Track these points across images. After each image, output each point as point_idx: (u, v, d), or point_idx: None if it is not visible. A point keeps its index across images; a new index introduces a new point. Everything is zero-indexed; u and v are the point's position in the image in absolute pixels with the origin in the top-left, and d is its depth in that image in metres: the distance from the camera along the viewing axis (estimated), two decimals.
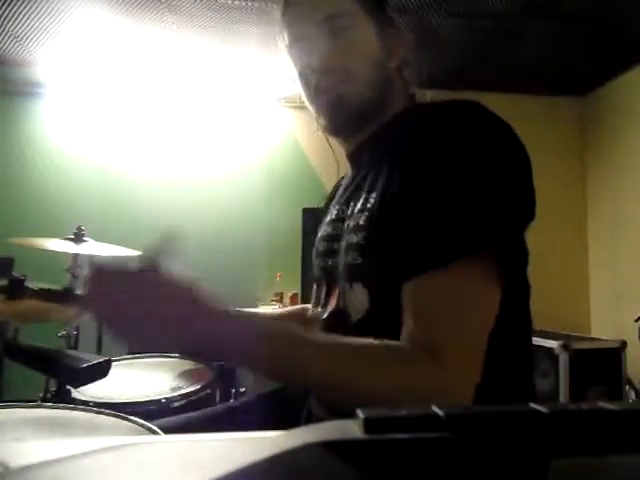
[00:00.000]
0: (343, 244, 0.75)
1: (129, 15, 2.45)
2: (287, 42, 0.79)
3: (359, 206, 0.73)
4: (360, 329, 0.69)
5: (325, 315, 0.78)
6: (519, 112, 3.19)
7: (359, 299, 0.70)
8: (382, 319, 0.67)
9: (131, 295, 0.57)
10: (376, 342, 0.60)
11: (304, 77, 0.78)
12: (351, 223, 0.74)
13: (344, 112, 0.76)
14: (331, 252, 0.80)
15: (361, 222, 0.71)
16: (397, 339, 0.62)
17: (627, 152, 3.08)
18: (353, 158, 0.84)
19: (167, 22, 2.52)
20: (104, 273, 0.59)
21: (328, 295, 0.81)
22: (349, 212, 0.76)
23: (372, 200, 0.70)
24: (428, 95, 0.82)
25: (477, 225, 0.61)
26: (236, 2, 2.34)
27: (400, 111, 0.78)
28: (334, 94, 0.75)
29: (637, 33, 2.61)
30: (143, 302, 0.56)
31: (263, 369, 0.61)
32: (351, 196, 0.78)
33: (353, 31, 0.76)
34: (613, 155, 3.21)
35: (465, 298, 0.61)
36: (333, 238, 0.80)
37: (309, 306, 1.09)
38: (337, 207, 0.83)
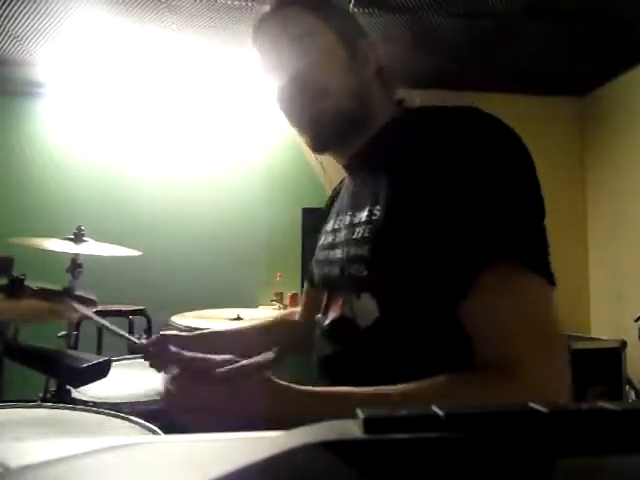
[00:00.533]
0: (345, 255, 0.75)
1: (129, 15, 2.45)
2: (262, 68, 0.80)
3: (363, 218, 0.72)
4: (371, 336, 0.69)
5: (327, 322, 0.79)
6: (519, 112, 3.19)
7: (368, 308, 0.70)
8: (394, 326, 0.67)
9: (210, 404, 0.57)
10: (448, 380, 0.57)
11: (281, 99, 0.78)
12: (354, 234, 0.73)
13: (326, 128, 0.75)
14: (332, 262, 0.80)
15: (366, 234, 0.70)
16: (410, 344, 0.62)
17: (627, 152, 3.08)
18: (351, 168, 0.84)
19: (167, 22, 2.52)
20: (188, 376, 0.59)
21: (328, 303, 0.81)
22: (350, 222, 0.76)
23: (377, 212, 0.69)
24: (415, 96, 0.82)
25: (503, 230, 0.60)
26: (236, 2, 2.34)
27: (394, 118, 0.78)
28: (313, 111, 0.75)
29: (637, 33, 2.61)
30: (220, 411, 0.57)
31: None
32: (352, 206, 0.78)
33: (323, 49, 0.76)
34: (613, 155, 3.21)
35: (522, 301, 0.59)
36: (334, 247, 0.80)
37: (297, 310, 1.09)
38: (338, 216, 0.83)
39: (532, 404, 0.20)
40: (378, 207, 0.70)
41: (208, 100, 3.31)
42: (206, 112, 3.32)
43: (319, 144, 0.79)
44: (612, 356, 2.52)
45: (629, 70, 3.04)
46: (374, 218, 0.70)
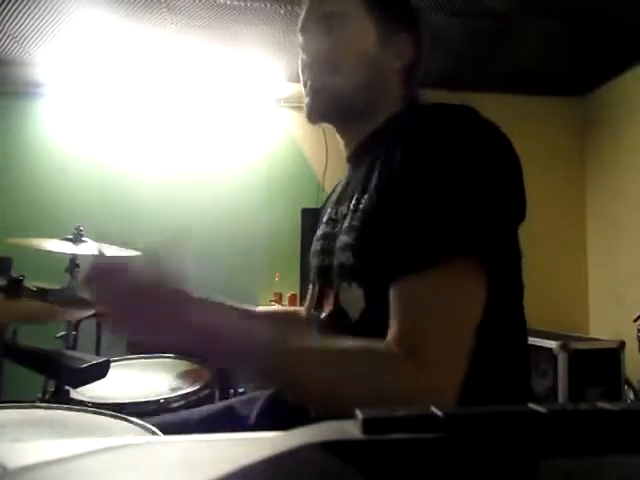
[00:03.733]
0: (337, 244, 0.75)
1: (128, 15, 2.45)
2: (298, 28, 0.84)
3: (352, 207, 0.74)
4: (360, 328, 0.69)
5: (324, 315, 0.79)
6: (518, 112, 3.20)
7: (356, 298, 0.71)
8: (378, 317, 0.67)
9: (128, 294, 0.59)
10: (360, 345, 0.61)
11: (300, 62, 0.81)
12: (345, 223, 0.75)
13: (321, 100, 0.79)
14: (327, 251, 0.80)
15: (354, 223, 0.72)
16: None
17: (627, 152, 3.09)
18: (351, 161, 0.85)
19: (166, 22, 2.52)
20: (103, 270, 0.62)
21: (321, 296, 0.81)
22: (343, 212, 0.78)
23: (364, 201, 0.71)
24: (428, 95, 0.83)
25: (460, 227, 0.61)
26: (235, 3, 2.34)
27: (394, 113, 0.79)
28: (318, 82, 0.78)
29: (636, 32, 2.61)
30: (139, 301, 0.58)
31: (252, 367, 0.63)
32: (345, 197, 0.80)
33: (349, 30, 0.78)
34: (613, 155, 3.22)
35: (445, 299, 0.61)
36: (329, 237, 0.81)
37: (302, 309, 1.09)
38: (332, 207, 0.85)
39: (531, 405, 0.20)
40: (365, 196, 0.71)
41: (207, 100, 3.30)
42: (205, 112, 3.32)
43: (310, 112, 0.81)
44: (611, 357, 2.52)
45: (629, 70, 3.04)
46: (360, 206, 0.71)
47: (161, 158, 3.27)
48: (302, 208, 2.99)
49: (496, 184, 0.64)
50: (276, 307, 1.02)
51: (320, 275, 0.83)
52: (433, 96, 0.79)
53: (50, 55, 2.88)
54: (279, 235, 3.14)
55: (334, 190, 0.94)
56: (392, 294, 0.64)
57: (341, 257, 0.73)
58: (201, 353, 0.65)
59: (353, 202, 0.74)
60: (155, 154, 3.27)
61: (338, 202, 0.83)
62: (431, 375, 0.58)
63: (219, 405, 1.04)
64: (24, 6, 2.35)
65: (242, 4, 2.34)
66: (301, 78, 0.82)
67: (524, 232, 0.70)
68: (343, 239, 0.73)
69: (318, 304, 0.81)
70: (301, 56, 0.81)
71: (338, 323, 0.74)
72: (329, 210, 0.86)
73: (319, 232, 0.87)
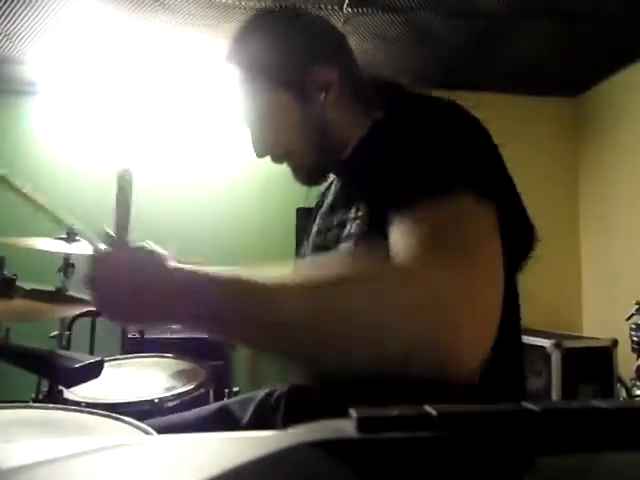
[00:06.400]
0: (335, 252, 0.75)
1: (121, 13, 2.43)
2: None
3: (350, 216, 0.73)
4: None
5: None
6: (512, 112, 3.21)
7: None
8: None
9: (113, 281, 0.61)
10: (364, 264, 0.55)
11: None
12: (342, 232, 0.74)
13: (304, 176, 0.80)
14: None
15: (352, 230, 0.71)
16: None
17: (620, 153, 3.11)
18: (338, 172, 0.84)
19: (161, 21, 2.51)
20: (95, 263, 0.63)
21: None
22: (338, 222, 0.77)
23: (361, 209, 0.71)
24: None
25: (461, 166, 0.60)
26: (229, 1, 2.33)
27: (373, 123, 0.76)
28: (288, 165, 0.80)
29: (630, 33, 2.63)
30: (123, 287, 0.59)
31: (242, 329, 0.58)
32: (341, 206, 0.79)
33: (268, 111, 0.75)
34: (606, 155, 3.23)
35: (464, 221, 0.56)
36: (325, 247, 0.80)
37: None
38: (324, 218, 0.84)
39: (525, 404, 0.20)
40: (361, 204, 0.71)
41: (203, 99, 3.29)
42: (201, 111, 3.31)
43: (309, 183, 0.82)
44: (604, 355, 2.54)
45: (622, 70, 3.06)
46: (359, 214, 0.71)
47: (156, 157, 3.26)
48: (297, 207, 2.98)
49: (478, 159, 0.63)
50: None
51: None
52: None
53: (42, 53, 2.87)
54: (274, 234, 3.14)
55: (323, 199, 0.92)
56: (398, 227, 0.57)
57: None
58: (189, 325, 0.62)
59: (353, 210, 0.73)
60: (149, 153, 3.25)
61: (332, 212, 0.82)
62: (466, 277, 0.51)
63: (213, 406, 1.04)
64: (16, 3, 2.33)
65: (237, 2, 2.33)
66: None
67: None
68: (342, 247, 0.73)
69: None
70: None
71: None
72: (319, 221, 0.86)
73: (312, 242, 0.86)
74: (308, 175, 0.80)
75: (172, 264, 0.60)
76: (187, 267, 0.60)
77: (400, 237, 0.57)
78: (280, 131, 0.76)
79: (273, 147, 0.77)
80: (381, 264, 0.55)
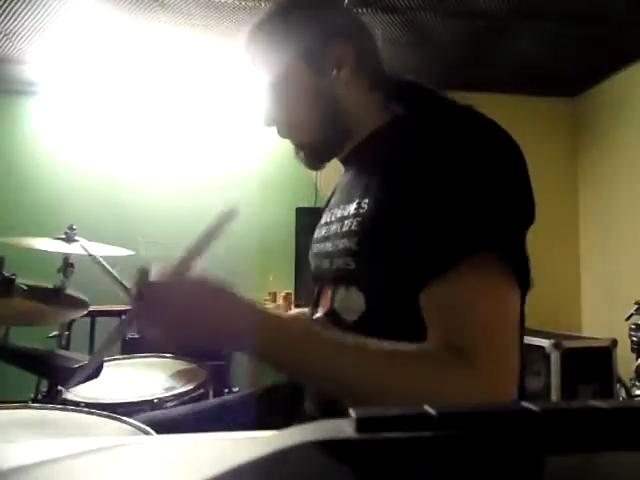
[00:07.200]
0: (334, 248, 0.75)
1: (121, 13, 2.43)
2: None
3: (352, 210, 0.73)
4: (357, 330, 0.69)
5: (318, 315, 0.79)
6: (511, 112, 3.20)
7: (355, 302, 0.70)
8: (380, 320, 0.67)
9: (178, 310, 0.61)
10: (408, 345, 0.59)
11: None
12: (342, 227, 0.74)
13: (311, 154, 0.80)
14: (323, 254, 0.80)
15: (354, 227, 0.71)
16: (395, 339, 0.61)
17: (619, 152, 3.11)
18: (347, 162, 0.85)
19: (160, 21, 2.51)
20: (150, 289, 0.63)
21: (319, 296, 0.81)
22: (341, 215, 0.77)
23: (365, 206, 0.70)
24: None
25: (479, 223, 0.61)
26: (229, 1, 2.33)
27: (396, 116, 0.76)
28: (296, 141, 0.81)
29: (629, 33, 2.63)
30: (190, 317, 0.61)
31: (297, 371, 0.63)
32: (344, 200, 0.79)
33: (286, 85, 0.77)
34: (605, 155, 3.24)
35: (481, 296, 0.60)
36: (326, 240, 0.80)
37: (306, 310, 1.09)
38: (330, 210, 0.84)
39: (524, 404, 0.20)
40: (366, 200, 0.70)
41: (202, 100, 3.29)
42: (200, 112, 3.31)
43: (309, 164, 0.82)
44: (603, 355, 2.54)
45: (621, 71, 3.06)
46: (362, 211, 0.70)
47: (154, 157, 3.26)
48: (297, 207, 2.98)
49: (509, 185, 0.63)
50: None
51: (317, 277, 0.83)
52: None
53: (42, 53, 2.86)
54: (274, 234, 3.14)
55: (333, 192, 0.93)
56: (424, 301, 0.62)
57: (339, 261, 0.73)
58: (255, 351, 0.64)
59: (354, 206, 0.73)
60: (148, 153, 3.25)
61: (335, 205, 0.82)
62: (484, 377, 0.56)
63: (212, 402, 1.04)
64: (16, 3, 2.33)
65: (237, 3, 2.33)
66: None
67: None
68: (342, 244, 0.73)
69: (316, 304, 0.81)
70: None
71: (332, 324, 0.74)
72: (326, 212, 0.86)
73: (316, 235, 0.86)
74: (311, 153, 0.80)
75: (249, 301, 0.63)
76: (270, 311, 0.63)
77: (430, 309, 0.62)
78: (290, 100, 0.77)
79: (281, 115, 0.78)
80: (419, 348, 0.60)
